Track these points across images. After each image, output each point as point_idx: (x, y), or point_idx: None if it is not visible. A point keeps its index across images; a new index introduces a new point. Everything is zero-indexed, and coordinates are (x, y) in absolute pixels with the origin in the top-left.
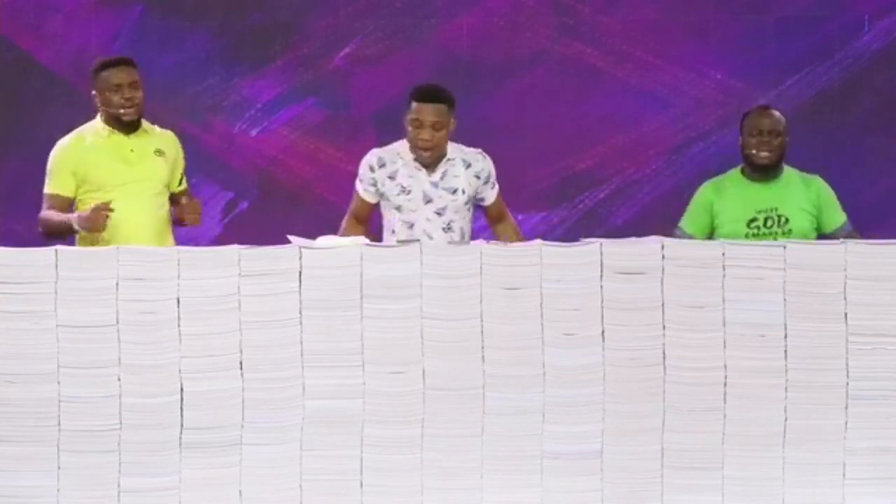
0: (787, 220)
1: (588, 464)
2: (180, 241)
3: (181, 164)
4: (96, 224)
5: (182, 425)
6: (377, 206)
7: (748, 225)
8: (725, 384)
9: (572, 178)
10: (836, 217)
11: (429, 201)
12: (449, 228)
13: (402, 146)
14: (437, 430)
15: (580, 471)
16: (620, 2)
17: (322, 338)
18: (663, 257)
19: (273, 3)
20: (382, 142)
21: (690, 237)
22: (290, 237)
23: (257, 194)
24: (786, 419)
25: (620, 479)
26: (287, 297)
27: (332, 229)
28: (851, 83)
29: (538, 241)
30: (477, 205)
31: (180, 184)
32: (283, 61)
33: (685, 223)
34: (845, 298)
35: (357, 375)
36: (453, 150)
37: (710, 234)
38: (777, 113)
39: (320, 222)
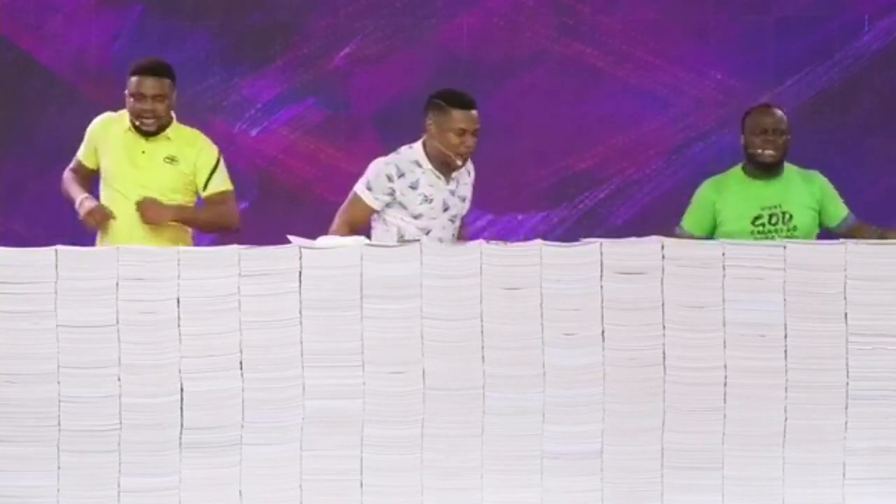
0: (791, 217)
1: (588, 464)
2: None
3: (205, 167)
4: (89, 223)
5: (182, 425)
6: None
7: (753, 223)
8: (725, 384)
9: (572, 178)
10: (839, 210)
11: (446, 209)
12: (454, 235)
13: (414, 154)
14: (437, 430)
15: (580, 471)
16: (620, 2)
17: (322, 338)
18: (663, 257)
19: (273, 3)
20: (386, 146)
21: (691, 236)
22: (290, 237)
23: (257, 194)
24: (786, 419)
25: (620, 479)
26: (287, 297)
27: None
28: (851, 83)
29: (538, 241)
30: None
31: (206, 188)
32: (283, 61)
33: (686, 222)
34: (845, 298)
35: (357, 375)
36: None
37: (712, 233)
38: (780, 111)
39: (320, 222)
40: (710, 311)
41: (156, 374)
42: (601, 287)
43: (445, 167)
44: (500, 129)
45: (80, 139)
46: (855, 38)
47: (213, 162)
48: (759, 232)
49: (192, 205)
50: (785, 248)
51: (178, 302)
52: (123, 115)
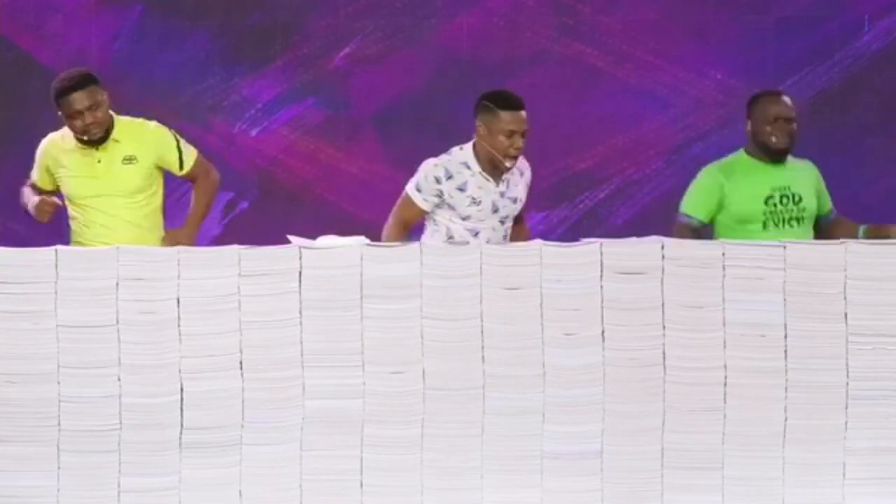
0: (800, 199)
1: (588, 464)
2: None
3: (170, 150)
4: (41, 217)
5: (182, 425)
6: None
7: (766, 202)
8: (725, 384)
9: (572, 178)
10: (828, 200)
11: (495, 211)
12: (506, 236)
13: (463, 156)
14: (437, 430)
15: (580, 471)
16: (620, 2)
17: (322, 338)
18: (663, 257)
19: (273, 3)
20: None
21: (700, 222)
22: (290, 237)
23: (257, 194)
24: (786, 419)
25: (620, 479)
26: (287, 297)
27: (332, 229)
28: (851, 83)
29: (538, 241)
30: None
31: (181, 167)
32: (283, 61)
33: (692, 208)
34: (845, 298)
35: (357, 375)
36: None
37: (713, 219)
38: (788, 97)
39: (320, 222)
40: (710, 311)
41: (156, 374)
42: (601, 287)
43: (495, 169)
44: None
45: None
46: (855, 38)
47: (174, 141)
48: (770, 212)
49: (157, 194)
50: (785, 248)
51: (178, 302)
52: (66, 136)
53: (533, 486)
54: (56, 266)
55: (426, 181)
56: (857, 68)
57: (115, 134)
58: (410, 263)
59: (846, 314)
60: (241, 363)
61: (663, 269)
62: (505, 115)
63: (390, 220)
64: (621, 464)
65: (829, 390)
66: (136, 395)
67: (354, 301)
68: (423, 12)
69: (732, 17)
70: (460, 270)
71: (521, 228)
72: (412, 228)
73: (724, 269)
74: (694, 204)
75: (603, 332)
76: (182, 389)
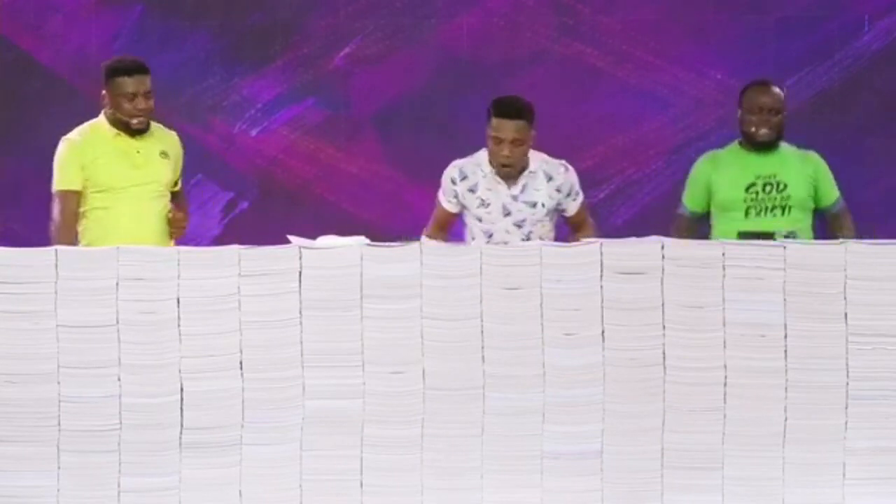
0: (785, 186)
1: (588, 464)
2: (179, 240)
3: (181, 165)
4: None
5: (182, 425)
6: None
7: (746, 190)
8: (725, 384)
9: None
10: (831, 193)
11: (507, 214)
12: (528, 239)
13: (480, 157)
14: (437, 430)
15: (580, 471)
16: (620, 2)
17: (322, 338)
18: (663, 257)
19: (273, 3)
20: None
21: (693, 213)
22: (290, 237)
23: (257, 194)
24: (786, 419)
25: (620, 479)
26: (287, 297)
27: (332, 229)
28: (851, 83)
29: (538, 241)
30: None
31: (176, 185)
32: (283, 61)
33: (687, 200)
34: (845, 298)
35: (357, 375)
36: (536, 161)
37: (709, 208)
38: (776, 89)
39: (320, 222)
40: (710, 311)
41: (156, 374)
42: (601, 287)
43: (503, 174)
44: None
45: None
46: (855, 38)
47: (182, 159)
48: (752, 199)
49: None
50: (785, 248)
51: (178, 302)
52: (96, 126)
53: (533, 486)
54: (56, 266)
55: (445, 182)
56: (857, 68)
57: (150, 128)
58: (410, 263)
59: (846, 314)
60: (241, 363)
61: (663, 269)
62: (494, 122)
63: (430, 220)
64: (621, 464)
65: (829, 390)
66: (136, 395)
67: (354, 301)
68: (423, 12)
69: (732, 17)
70: (460, 270)
71: (581, 236)
72: (450, 229)
73: (724, 269)
74: (688, 196)
75: (603, 332)
76: (182, 389)
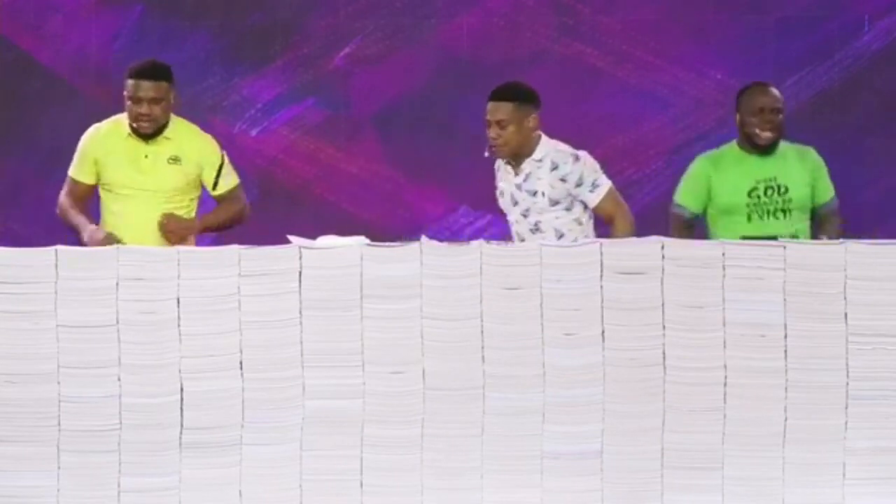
0: (786, 189)
1: (588, 464)
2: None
3: (210, 166)
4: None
5: (182, 425)
6: None
7: (749, 194)
8: (725, 384)
9: None
10: (827, 191)
11: (515, 203)
12: (537, 230)
13: None
14: (437, 430)
15: (580, 471)
16: (620, 2)
17: (322, 338)
18: (663, 257)
19: (273, 3)
20: (386, 146)
21: (691, 213)
22: (290, 237)
23: (257, 194)
24: (786, 419)
25: (620, 479)
26: (287, 297)
27: (332, 229)
28: (851, 83)
29: (538, 241)
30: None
31: (216, 187)
32: (283, 61)
33: (681, 197)
34: (845, 298)
35: (357, 375)
36: (545, 149)
37: (706, 207)
38: (775, 89)
39: (320, 222)
40: (710, 311)
41: (156, 374)
42: (601, 287)
43: (498, 157)
44: None
45: (81, 139)
46: (855, 38)
47: (219, 161)
48: (755, 204)
49: (195, 201)
50: (785, 248)
51: (178, 302)
52: (117, 123)
53: (533, 486)
54: (56, 266)
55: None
56: (857, 68)
57: (167, 132)
58: (410, 263)
59: (846, 314)
60: (241, 363)
61: (663, 269)
62: (487, 105)
63: None
64: (621, 464)
65: (829, 390)
66: (136, 395)
67: (354, 301)
68: (423, 12)
69: (732, 17)
70: (460, 270)
71: (613, 229)
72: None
73: (724, 269)
74: (684, 194)
75: (603, 332)
76: (182, 389)
